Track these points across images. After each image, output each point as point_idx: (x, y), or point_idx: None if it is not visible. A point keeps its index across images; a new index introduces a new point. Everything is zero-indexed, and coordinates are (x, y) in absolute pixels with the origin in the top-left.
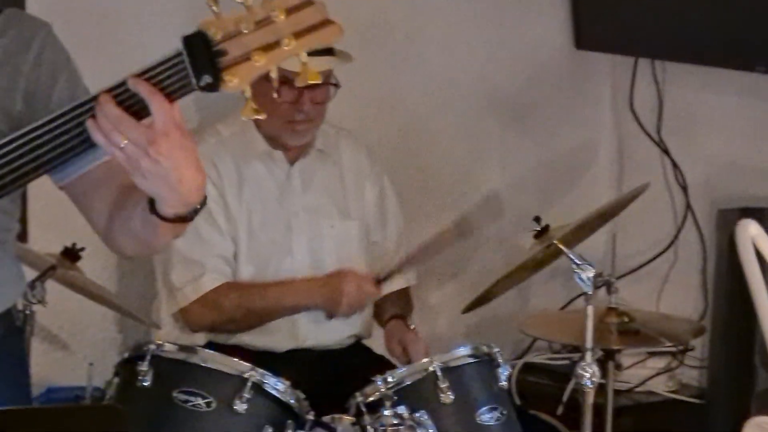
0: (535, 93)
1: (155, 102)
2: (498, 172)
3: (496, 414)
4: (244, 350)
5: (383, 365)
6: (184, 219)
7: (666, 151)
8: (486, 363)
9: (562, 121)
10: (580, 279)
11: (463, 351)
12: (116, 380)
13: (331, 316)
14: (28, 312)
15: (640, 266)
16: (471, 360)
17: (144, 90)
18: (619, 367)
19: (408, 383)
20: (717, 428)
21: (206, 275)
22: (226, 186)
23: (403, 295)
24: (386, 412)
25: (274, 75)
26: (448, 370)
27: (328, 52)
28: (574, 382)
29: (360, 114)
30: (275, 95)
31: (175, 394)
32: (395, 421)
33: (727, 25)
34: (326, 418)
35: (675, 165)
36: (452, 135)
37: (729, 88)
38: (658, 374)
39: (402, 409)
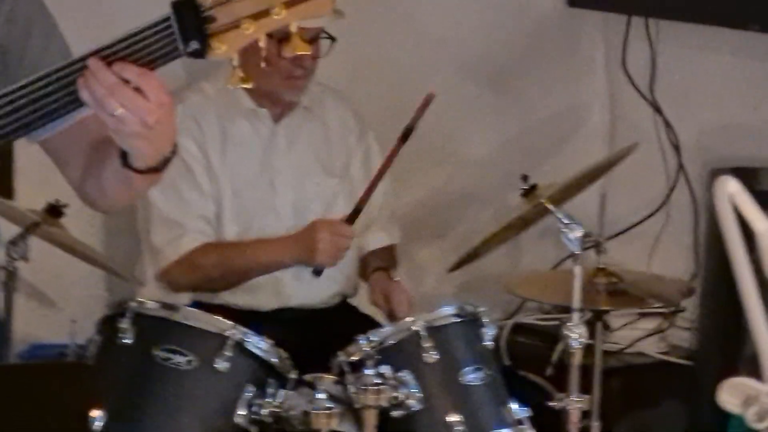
0: (526, 52)
1: (145, 81)
2: (489, 132)
3: (481, 374)
4: (229, 309)
5: (369, 324)
6: (156, 170)
7: (659, 111)
8: (471, 323)
9: (554, 80)
10: (568, 239)
11: (448, 310)
12: (98, 337)
13: (316, 271)
14: (11, 269)
15: (632, 226)
16: (455, 319)
17: (132, 74)
18: (608, 328)
19: (391, 342)
20: (705, 391)
21: (186, 236)
22: (209, 144)
23: (388, 252)
24: (368, 372)
25: (262, 44)
26: (432, 330)
27: None
28: (563, 343)
29: (349, 73)
30: (263, 65)
31: (155, 352)
32: (377, 381)
33: None
34: (308, 377)
35: (668, 125)
36: (442, 94)
37: (723, 48)
38: (648, 335)
39: (385, 369)
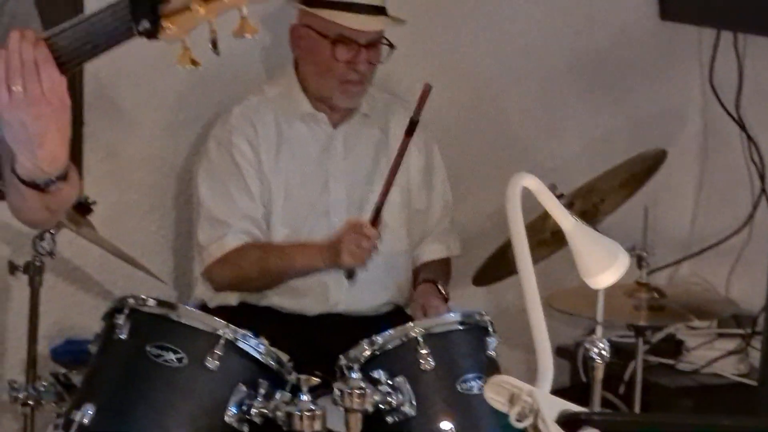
0: (616, 63)
1: (48, 73)
2: (574, 144)
3: (481, 383)
4: (275, 312)
5: None
6: (41, 188)
7: (743, 128)
8: (474, 331)
9: (645, 93)
10: None
11: (451, 318)
12: (100, 332)
13: (349, 275)
14: (38, 263)
15: (712, 245)
16: (458, 327)
17: (40, 57)
18: (679, 347)
19: (391, 347)
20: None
21: (229, 234)
22: (262, 146)
23: (442, 265)
24: (354, 375)
25: (214, 27)
26: (430, 336)
27: (380, 11)
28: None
29: (427, 80)
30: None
31: (148, 348)
32: (362, 385)
33: None
34: (293, 378)
35: (751, 140)
36: (526, 104)
37: None
38: (723, 356)
39: (379, 374)
